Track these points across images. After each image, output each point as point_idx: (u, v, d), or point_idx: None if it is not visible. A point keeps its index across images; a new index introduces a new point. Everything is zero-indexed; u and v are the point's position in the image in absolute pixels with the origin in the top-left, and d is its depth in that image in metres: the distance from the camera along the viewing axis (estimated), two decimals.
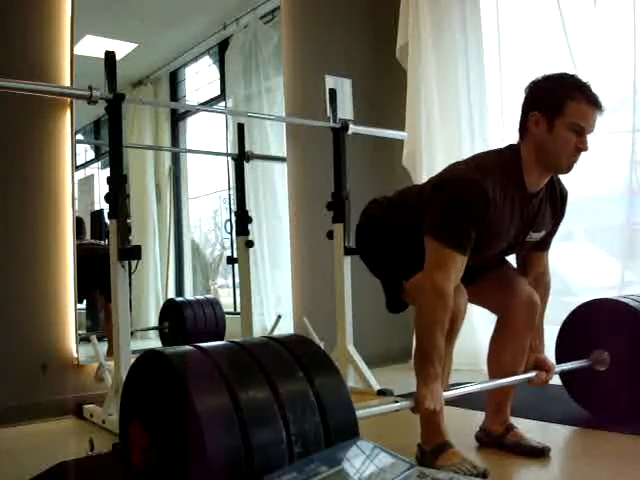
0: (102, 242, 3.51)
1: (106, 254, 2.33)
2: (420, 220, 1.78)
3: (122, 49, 3.60)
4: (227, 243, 4.23)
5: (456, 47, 3.68)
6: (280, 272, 3.84)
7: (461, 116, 3.65)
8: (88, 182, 4.00)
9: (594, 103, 1.73)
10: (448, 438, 1.79)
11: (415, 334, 1.73)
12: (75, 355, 2.85)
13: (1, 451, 2.27)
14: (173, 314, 3.81)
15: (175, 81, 4.23)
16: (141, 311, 3.96)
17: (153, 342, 3.83)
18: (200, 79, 4.26)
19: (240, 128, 3.41)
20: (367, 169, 3.83)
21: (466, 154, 1.98)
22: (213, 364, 1.18)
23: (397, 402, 1.69)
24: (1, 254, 2.71)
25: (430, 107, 3.69)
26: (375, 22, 4.10)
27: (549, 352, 2.15)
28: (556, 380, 2.21)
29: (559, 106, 1.72)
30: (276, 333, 3.32)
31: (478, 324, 3.40)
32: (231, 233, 4.05)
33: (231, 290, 4.10)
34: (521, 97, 1.84)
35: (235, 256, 3.42)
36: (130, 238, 2.29)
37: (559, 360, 2.31)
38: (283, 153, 3.76)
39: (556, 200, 1.92)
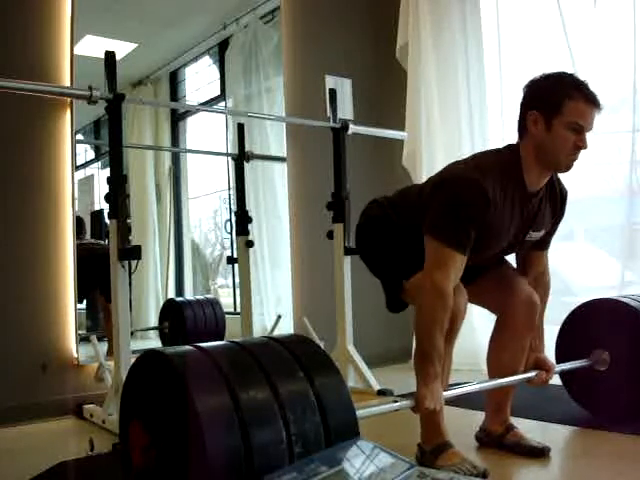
0: (102, 242, 3.51)
1: (106, 254, 2.33)
2: (420, 220, 1.78)
3: (122, 49, 3.59)
4: (227, 243, 4.23)
5: (456, 47, 3.68)
6: (280, 272, 3.84)
7: (461, 116, 3.65)
8: (88, 182, 3.99)
9: (592, 101, 1.73)
10: (448, 438, 1.80)
11: (415, 334, 1.73)
12: (75, 355, 2.85)
13: (1, 451, 2.27)
14: (173, 314, 3.81)
15: (175, 81, 4.23)
16: (141, 311, 3.96)
17: (153, 342, 3.83)
18: (200, 79, 4.26)
19: (240, 128, 3.41)
20: (367, 169, 3.82)
21: (466, 154, 1.98)
22: (213, 364, 1.18)
23: (397, 402, 1.68)
24: (1, 254, 2.70)
25: (430, 107, 3.69)
26: (375, 22, 4.10)
27: (549, 352, 2.15)
28: (556, 380, 2.21)
29: (557, 105, 1.72)
30: (276, 333, 3.32)
31: (478, 324, 3.40)
32: (231, 233, 4.04)
33: (231, 290, 4.10)
34: (520, 97, 1.84)
35: (235, 256, 3.42)
36: (130, 238, 2.29)
37: (559, 360, 2.31)
38: (283, 153, 3.75)
39: (556, 199, 1.92)
